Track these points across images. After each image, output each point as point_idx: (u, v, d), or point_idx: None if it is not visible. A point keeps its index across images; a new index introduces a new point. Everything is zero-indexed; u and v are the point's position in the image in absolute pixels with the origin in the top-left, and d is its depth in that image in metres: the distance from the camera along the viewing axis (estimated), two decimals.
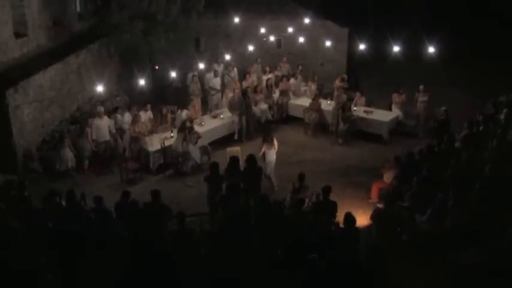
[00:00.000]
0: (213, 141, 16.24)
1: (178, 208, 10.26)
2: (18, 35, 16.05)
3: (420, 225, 9.74)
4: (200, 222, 10.99)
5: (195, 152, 15.04)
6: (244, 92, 17.30)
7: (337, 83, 18.44)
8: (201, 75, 19.03)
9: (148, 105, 16.72)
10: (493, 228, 8.82)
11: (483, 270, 7.81)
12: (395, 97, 17.55)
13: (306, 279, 7.54)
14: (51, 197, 10.59)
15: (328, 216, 10.27)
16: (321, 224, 9.73)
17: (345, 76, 18.17)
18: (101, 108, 15.63)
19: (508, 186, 10.13)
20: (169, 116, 16.76)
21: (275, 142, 14.08)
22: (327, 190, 10.22)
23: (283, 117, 18.69)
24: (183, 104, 17.23)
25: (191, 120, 15.55)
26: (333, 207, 10.31)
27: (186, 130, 14.92)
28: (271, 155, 13.90)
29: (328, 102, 17.88)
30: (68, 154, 14.69)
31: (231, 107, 17.07)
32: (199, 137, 15.32)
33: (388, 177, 12.87)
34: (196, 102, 17.67)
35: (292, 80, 19.25)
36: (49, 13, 17.68)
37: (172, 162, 15.14)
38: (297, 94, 19.03)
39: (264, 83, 18.82)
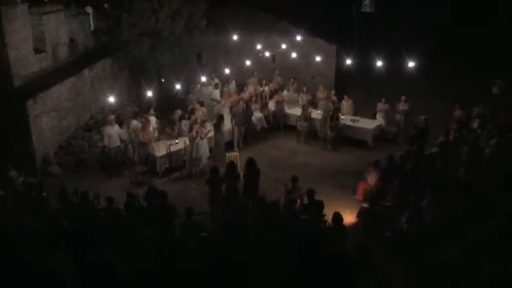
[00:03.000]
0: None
1: (182, 208, 10.25)
2: (37, 51, 16.09)
3: (401, 223, 9.78)
4: (202, 221, 11.00)
5: (204, 148, 15.05)
6: (246, 104, 17.30)
7: (319, 94, 18.63)
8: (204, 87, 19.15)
9: (152, 110, 16.74)
10: (465, 227, 8.85)
11: (457, 266, 7.85)
12: (379, 106, 17.63)
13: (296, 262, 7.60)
14: (63, 195, 10.63)
15: (316, 215, 10.33)
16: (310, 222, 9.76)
17: (333, 93, 18.24)
18: (112, 117, 15.63)
19: (479, 188, 10.20)
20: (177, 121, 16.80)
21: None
22: (311, 193, 10.24)
23: (281, 126, 18.67)
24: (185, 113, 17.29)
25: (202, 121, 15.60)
26: (319, 207, 10.32)
27: (197, 124, 15.05)
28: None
29: (318, 112, 17.93)
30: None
31: (236, 118, 16.93)
32: (207, 132, 15.40)
33: (371, 179, 12.92)
34: (200, 109, 17.64)
35: (285, 92, 19.32)
36: (65, 31, 17.74)
37: (179, 166, 15.22)
38: (290, 104, 19.05)
39: (265, 95, 18.86)
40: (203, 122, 15.44)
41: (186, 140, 15.57)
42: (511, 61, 18.97)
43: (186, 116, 16.70)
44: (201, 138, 14.96)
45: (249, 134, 17.39)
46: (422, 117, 15.31)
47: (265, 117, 18.13)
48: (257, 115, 17.85)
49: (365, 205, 11.26)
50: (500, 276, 6.79)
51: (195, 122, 15.27)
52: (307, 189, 10.32)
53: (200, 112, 16.89)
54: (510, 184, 10.14)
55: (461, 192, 9.97)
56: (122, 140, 15.32)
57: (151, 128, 15.34)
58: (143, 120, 15.59)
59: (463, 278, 7.35)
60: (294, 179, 11.27)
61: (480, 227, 8.61)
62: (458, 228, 8.93)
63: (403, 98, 17.23)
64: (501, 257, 7.39)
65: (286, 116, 18.63)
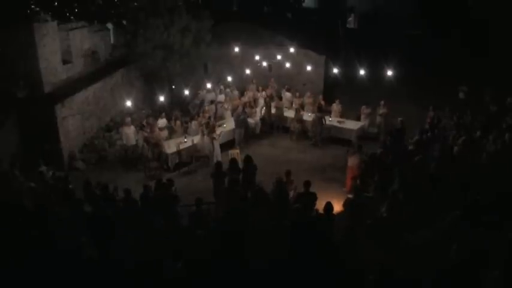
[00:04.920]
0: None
1: (191, 198, 10.27)
2: (65, 61, 16.14)
3: (381, 212, 9.80)
4: (208, 209, 11.02)
5: (217, 150, 15.05)
6: (243, 109, 17.29)
7: (306, 99, 18.71)
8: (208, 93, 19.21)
9: (163, 113, 16.79)
10: (435, 215, 8.87)
11: (429, 248, 7.88)
12: (363, 109, 17.63)
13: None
14: (88, 187, 10.66)
15: (309, 204, 10.36)
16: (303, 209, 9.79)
17: (322, 102, 18.27)
18: (129, 119, 15.70)
19: (447, 179, 10.23)
20: (183, 124, 16.85)
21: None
22: (307, 184, 10.25)
23: (279, 127, 18.61)
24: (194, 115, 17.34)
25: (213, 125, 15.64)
26: (312, 197, 10.37)
27: (213, 126, 15.17)
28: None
29: (310, 114, 17.93)
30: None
31: (237, 121, 16.99)
32: (219, 134, 15.46)
33: (351, 161, 12.95)
34: (206, 112, 17.64)
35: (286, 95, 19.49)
36: (89, 44, 17.75)
37: (187, 161, 15.31)
38: (283, 108, 19.01)
39: (261, 101, 18.82)
40: (213, 126, 15.46)
41: (194, 138, 15.60)
42: (474, 69, 19.01)
43: (196, 117, 16.79)
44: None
45: (249, 134, 17.36)
46: (400, 119, 15.30)
47: (262, 119, 18.11)
48: (255, 119, 17.81)
49: (350, 196, 11.26)
50: (465, 257, 6.82)
51: (208, 124, 15.29)
52: (304, 181, 10.29)
53: (208, 114, 16.94)
54: (474, 176, 10.20)
55: (432, 183, 10.02)
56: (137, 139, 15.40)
57: (157, 130, 15.43)
58: (147, 124, 15.69)
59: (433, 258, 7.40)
60: (288, 173, 11.28)
61: (448, 215, 8.62)
62: (429, 216, 8.95)
63: (382, 102, 17.26)
64: (466, 240, 7.42)
65: (284, 119, 18.61)
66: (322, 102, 18.11)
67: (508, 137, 12.08)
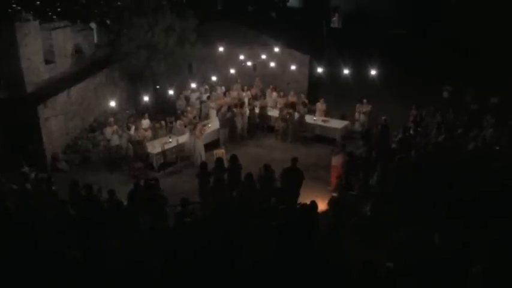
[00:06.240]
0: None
1: (176, 198, 10.23)
2: (47, 61, 15.97)
3: (365, 210, 9.87)
4: (193, 209, 10.98)
5: (201, 148, 15.04)
6: (228, 108, 17.29)
7: (290, 98, 18.78)
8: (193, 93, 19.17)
9: (146, 114, 16.72)
10: (416, 214, 8.97)
11: (411, 244, 7.96)
12: (359, 107, 17.70)
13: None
14: (74, 188, 10.56)
15: (296, 179, 10.72)
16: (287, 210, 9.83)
17: (306, 101, 18.35)
18: (112, 120, 15.62)
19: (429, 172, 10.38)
20: (168, 124, 16.80)
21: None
22: (294, 160, 10.69)
23: (263, 126, 18.63)
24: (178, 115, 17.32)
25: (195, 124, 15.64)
26: (299, 173, 10.77)
27: (194, 124, 15.27)
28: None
29: (296, 114, 17.97)
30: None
31: (221, 120, 16.96)
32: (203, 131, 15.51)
33: (335, 160, 13.02)
34: (190, 112, 17.62)
35: (267, 97, 19.52)
36: (72, 44, 17.57)
37: (172, 161, 15.26)
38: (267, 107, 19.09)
39: (245, 100, 18.83)
40: (199, 124, 15.47)
41: (179, 138, 15.55)
42: (458, 69, 19.26)
43: (181, 117, 16.77)
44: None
45: (236, 134, 17.31)
46: (383, 117, 15.44)
47: (249, 118, 18.10)
48: (241, 118, 17.72)
49: (335, 194, 11.32)
50: (448, 253, 6.92)
51: (190, 122, 15.32)
52: (292, 157, 11.07)
53: (191, 114, 16.90)
54: (456, 173, 10.33)
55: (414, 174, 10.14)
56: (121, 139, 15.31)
57: (142, 130, 15.40)
58: (131, 124, 15.63)
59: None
60: (266, 167, 11.23)
61: (430, 212, 8.73)
62: (411, 214, 9.04)
63: (364, 100, 17.46)
64: (448, 236, 7.53)
65: (268, 118, 18.63)
66: (306, 101, 18.24)
67: (489, 134, 12.30)
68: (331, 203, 10.14)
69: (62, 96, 15.60)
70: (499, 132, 12.61)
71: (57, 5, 16.09)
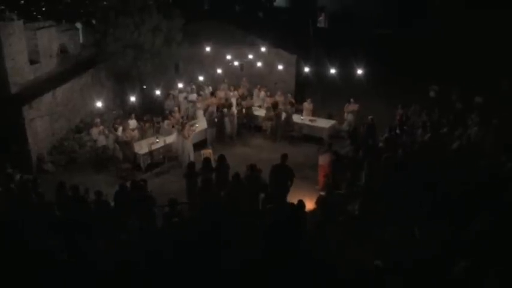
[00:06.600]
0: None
1: (164, 198, 10.19)
2: (32, 61, 15.79)
3: (353, 209, 9.93)
4: (181, 210, 10.95)
5: (190, 148, 15.00)
6: (217, 108, 17.27)
7: (278, 98, 18.79)
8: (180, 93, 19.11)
9: (133, 115, 16.65)
10: (402, 212, 9.05)
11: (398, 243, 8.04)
12: (347, 107, 17.73)
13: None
14: (61, 189, 10.47)
15: (286, 176, 10.84)
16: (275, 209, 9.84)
17: (293, 101, 18.42)
18: (98, 120, 15.52)
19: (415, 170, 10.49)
20: (155, 125, 16.74)
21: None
22: (284, 156, 10.93)
23: (250, 126, 18.61)
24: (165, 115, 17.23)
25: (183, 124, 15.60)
26: (289, 170, 10.90)
27: (183, 124, 15.20)
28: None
29: (283, 113, 18.02)
30: None
31: (209, 120, 16.94)
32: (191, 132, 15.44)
33: (322, 159, 13.07)
34: (178, 112, 17.57)
35: (254, 97, 19.49)
36: (57, 44, 17.41)
37: (159, 161, 15.17)
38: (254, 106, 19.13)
39: (233, 100, 18.76)
40: (187, 124, 15.42)
41: (166, 138, 15.51)
42: (444, 69, 19.44)
43: (168, 117, 16.71)
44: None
45: (224, 135, 17.27)
46: (370, 117, 15.53)
47: (238, 118, 18.05)
48: (228, 118, 17.71)
49: (322, 193, 11.37)
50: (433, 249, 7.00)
51: (178, 122, 15.28)
52: (281, 154, 11.25)
53: (178, 114, 16.84)
54: (442, 169, 10.44)
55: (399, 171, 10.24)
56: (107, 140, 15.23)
57: (130, 130, 15.33)
58: (116, 126, 15.57)
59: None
60: (252, 166, 11.23)
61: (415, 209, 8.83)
62: (397, 213, 9.12)
63: (351, 100, 17.51)
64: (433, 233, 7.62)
65: (255, 118, 18.64)
66: (293, 101, 18.32)
67: (473, 133, 12.46)
68: (319, 202, 10.16)
69: (47, 97, 15.45)
70: (484, 131, 12.77)
71: (42, 5, 16.01)
